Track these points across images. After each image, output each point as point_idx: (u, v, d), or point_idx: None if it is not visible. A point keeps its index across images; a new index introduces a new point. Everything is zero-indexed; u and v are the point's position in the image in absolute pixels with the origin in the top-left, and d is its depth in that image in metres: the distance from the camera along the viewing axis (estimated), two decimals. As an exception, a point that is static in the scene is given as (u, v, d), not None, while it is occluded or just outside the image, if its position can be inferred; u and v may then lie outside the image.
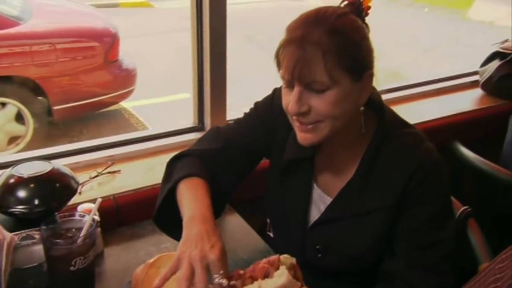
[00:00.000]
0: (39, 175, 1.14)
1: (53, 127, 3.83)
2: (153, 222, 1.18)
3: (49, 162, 1.18)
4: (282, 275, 0.90)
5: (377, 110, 1.12)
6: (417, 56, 6.14)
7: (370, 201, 1.09)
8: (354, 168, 1.12)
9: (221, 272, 0.91)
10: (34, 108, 3.71)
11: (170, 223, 1.14)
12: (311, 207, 1.19)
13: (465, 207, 1.34)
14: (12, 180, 1.13)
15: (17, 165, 1.17)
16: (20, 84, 3.64)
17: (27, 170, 1.14)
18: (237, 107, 1.57)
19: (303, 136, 1.06)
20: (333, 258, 1.15)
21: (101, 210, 1.31)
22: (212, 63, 1.65)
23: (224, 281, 0.90)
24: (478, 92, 2.23)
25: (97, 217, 1.27)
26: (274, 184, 1.24)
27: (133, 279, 1.01)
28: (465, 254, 1.30)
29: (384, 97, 2.07)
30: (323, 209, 1.16)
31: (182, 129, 1.76)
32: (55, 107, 3.76)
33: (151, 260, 1.04)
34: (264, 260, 0.93)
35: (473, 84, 2.28)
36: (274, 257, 0.93)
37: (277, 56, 1.04)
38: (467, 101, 2.17)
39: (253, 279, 0.92)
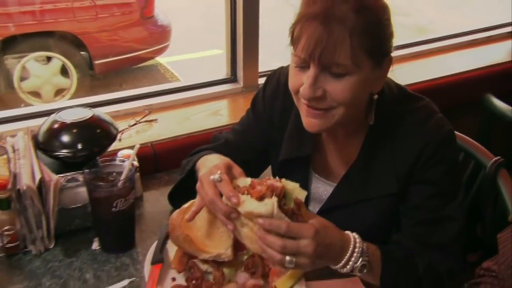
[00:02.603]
0: (81, 121, 1.12)
1: (94, 80, 3.88)
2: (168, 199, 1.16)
3: (90, 109, 1.16)
4: (267, 204, 0.83)
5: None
6: (446, 11, 5.79)
7: (373, 188, 1.00)
8: (356, 153, 1.02)
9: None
10: (77, 62, 3.77)
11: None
12: (310, 203, 1.10)
13: (497, 157, 1.27)
14: (56, 126, 1.12)
15: (60, 111, 1.15)
16: (63, 39, 3.68)
17: (69, 116, 1.13)
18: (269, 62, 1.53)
19: (310, 122, 0.93)
20: None
21: (139, 156, 1.31)
22: (245, 16, 1.58)
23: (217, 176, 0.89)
24: (513, 43, 2.08)
25: (136, 163, 1.26)
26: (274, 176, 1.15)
27: (170, 224, 1.00)
28: (496, 204, 1.25)
29: (415, 49, 2.01)
30: (326, 198, 1.08)
31: (216, 80, 1.72)
32: (96, 61, 3.81)
33: (186, 205, 1.02)
34: (269, 182, 0.86)
35: (509, 35, 2.12)
36: (278, 184, 0.85)
37: (293, 31, 0.89)
38: (502, 52, 2.03)
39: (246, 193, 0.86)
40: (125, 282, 0.99)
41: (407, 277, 0.96)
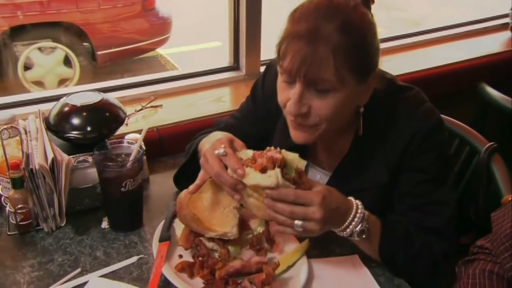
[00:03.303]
0: (91, 104, 1.13)
1: (97, 70, 3.87)
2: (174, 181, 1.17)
3: (99, 93, 1.17)
4: (271, 176, 0.85)
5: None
6: (440, 7, 5.80)
7: (366, 178, 1.01)
8: (348, 145, 1.03)
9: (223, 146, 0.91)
10: (80, 52, 3.76)
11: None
12: None
13: (491, 143, 1.29)
14: (66, 108, 1.13)
15: (70, 95, 1.16)
16: (66, 30, 3.68)
17: (79, 100, 1.14)
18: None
19: (296, 135, 0.96)
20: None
21: (145, 140, 1.31)
22: (248, 4, 1.59)
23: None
24: (507, 34, 2.09)
25: (142, 146, 1.27)
26: None
27: (178, 203, 1.01)
28: (489, 188, 1.27)
29: (412, 40, 2.02)
30: None
31: (219, 68, 1.73)
32: (99, 52, 3.81)
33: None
34: (269, 154, 0.88)
35: (503, 27, 2.13)
36: (278, 155, 0.87)
37: (279, 48, 0.90)
38: (496, 43, 2.04)
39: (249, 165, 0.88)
40: (134, 258, 1.01)
41: (404, 251, 0.98)
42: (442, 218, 1.00)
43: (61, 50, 3.69)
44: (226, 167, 0.90)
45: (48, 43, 3.66)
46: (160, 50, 4.55)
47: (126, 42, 3.97)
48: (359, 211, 0.92)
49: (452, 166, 1.12)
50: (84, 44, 3.78)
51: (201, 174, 0.97)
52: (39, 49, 3.64)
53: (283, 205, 0.86)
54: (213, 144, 0.93)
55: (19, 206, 1.04)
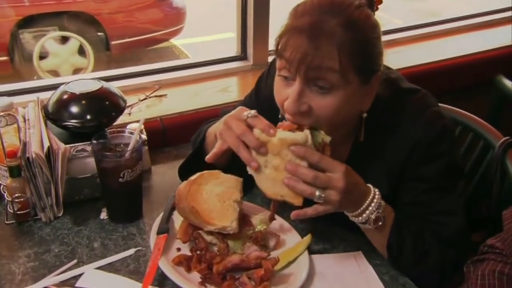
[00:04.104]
0: (90, 92, 1.10)
1: (111, 60, 3.87)
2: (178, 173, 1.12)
3: (99, 81, 1.14)
4: (301, 134, 0.83)
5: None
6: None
7: None
8: (348, 152, 0.98)
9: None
10: (94, 42, 3.77)
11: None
12: None
13: (506, 138, 1.23)
14: (65, 96, 1.10)
15: (69, 82, 1.13)
16: (80, 19, 3.68)
17: (78, 88, 1.11)
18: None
19: None
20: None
21: (148, 130, 1.30)
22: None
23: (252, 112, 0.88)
24: (526, 25, 2.00)
25: (144, 136, 1.25)
26: None
27: (177, 195, 0.98)
28: (503, 183, 1.21)
29: (428, 30, 1.96)
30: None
31: (226, 58, 1.69)
32: (113, 42, 3.82)
33: (193, 178, 0.99)
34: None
35: (522, 17, 2.04)
36: (305, 123, 0.86)
37: (278, 43, 0.85)
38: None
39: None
40: (132, 251, 0.98)
41: (413, 249, 0.93)
42: (450, 228, 0.94)
43: (76, 40, 3.70)
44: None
45: (63, 33, 3.67)
46: (174, 41, 4.54)
47: (140, 32, 3.97)
48: (376, 196, 0.89)
49: (461, 173, 1.06)
50: (99, 33, 3.78)
51: (218, 144, 0.92)
52: (54, 38, 3.65)
53: (306, 170, 0.82)
54: (236, 111, 0.90)
55: (17, 195, 1.02)
